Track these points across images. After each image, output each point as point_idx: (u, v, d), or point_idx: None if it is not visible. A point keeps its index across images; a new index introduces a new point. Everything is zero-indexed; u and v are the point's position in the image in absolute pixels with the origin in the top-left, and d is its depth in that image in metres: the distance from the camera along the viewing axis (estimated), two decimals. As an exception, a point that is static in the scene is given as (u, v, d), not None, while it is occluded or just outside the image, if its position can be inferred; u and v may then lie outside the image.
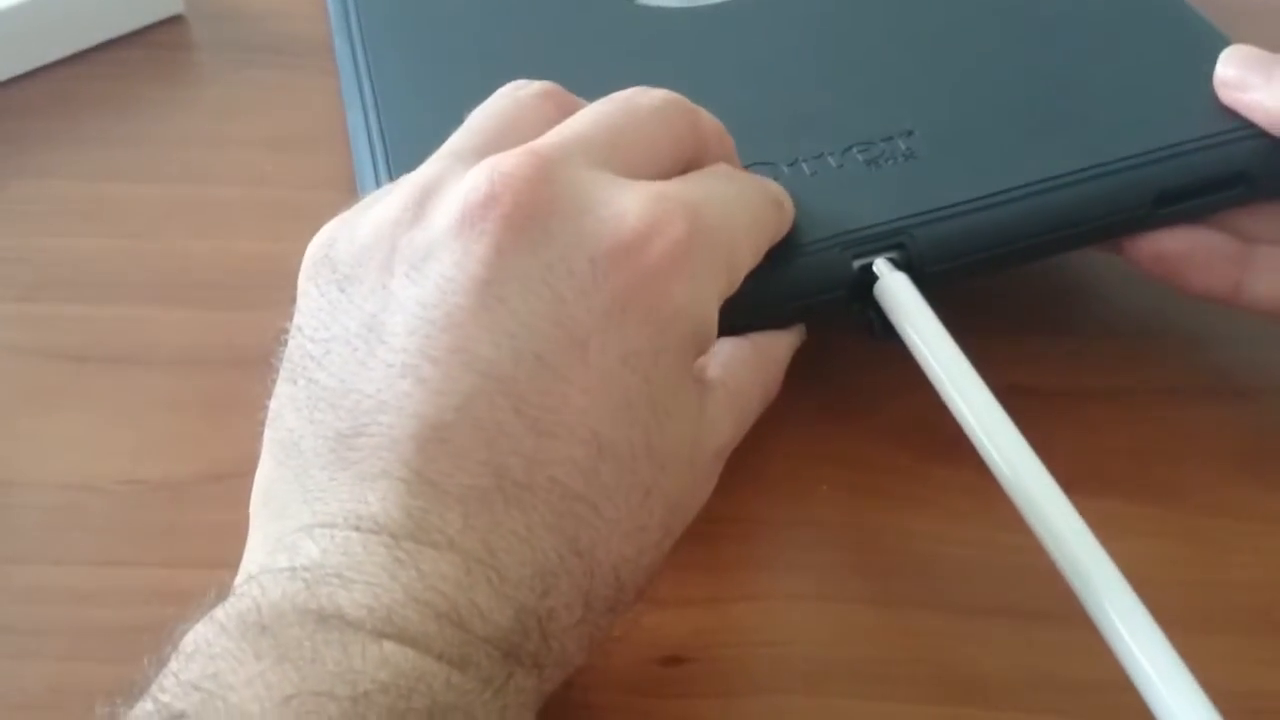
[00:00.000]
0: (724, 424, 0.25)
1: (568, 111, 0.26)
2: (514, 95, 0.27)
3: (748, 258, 0.26)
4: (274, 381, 0.24)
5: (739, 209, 0.26)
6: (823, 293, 0.28)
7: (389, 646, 0.19)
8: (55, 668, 0.26)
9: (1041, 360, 0.32)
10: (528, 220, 0.22)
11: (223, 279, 0.35)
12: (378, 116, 0.34)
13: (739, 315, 0.26)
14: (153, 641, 0.20)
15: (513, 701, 0.20)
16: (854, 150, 0.30)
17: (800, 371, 0.32)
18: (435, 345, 0.22)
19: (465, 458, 0.21)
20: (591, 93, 0.27)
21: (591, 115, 0.26)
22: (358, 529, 0.20)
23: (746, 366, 0.27)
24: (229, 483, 0.30)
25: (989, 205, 0.29)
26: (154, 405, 0.32)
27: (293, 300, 0.24)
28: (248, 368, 0.32)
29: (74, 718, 0.20)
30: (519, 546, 0.21)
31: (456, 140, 0.26)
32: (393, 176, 0.33)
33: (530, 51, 0.36)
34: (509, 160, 0.23)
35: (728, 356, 0.27)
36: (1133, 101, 0.31)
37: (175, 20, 0.43)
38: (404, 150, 0.33)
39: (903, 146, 0.30)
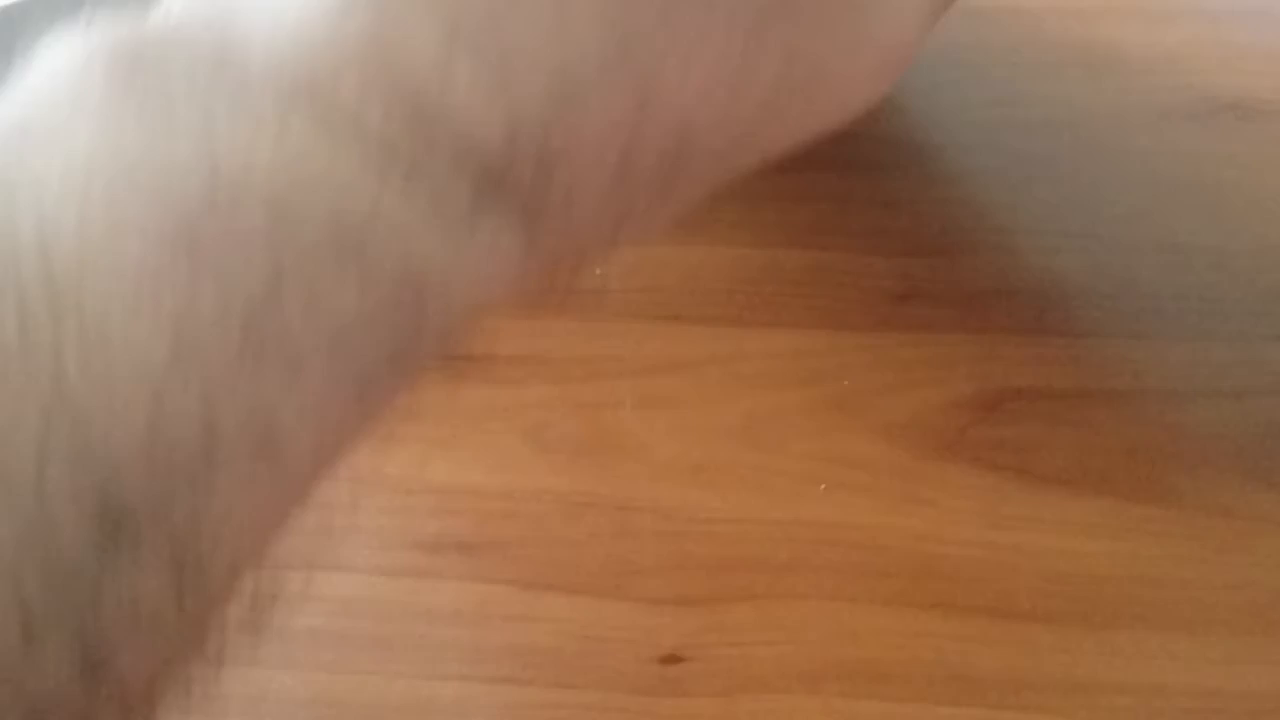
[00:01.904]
0: None
1: None
2: None
3: None
4: None
5: None
6: None
7: (296, 121, 0.13)
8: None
9: (1042, 361, 0.32)
10: None
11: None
12: None
13: None
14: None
15: (479, 254, 0.14)
16: None
17: (800, 371, 0.32)
18: None
19: None
20: None
21: None
22: None
23: None
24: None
25: None
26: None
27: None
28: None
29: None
30: (537, 25, 0.14)
31: None
32: None
33: None
34: None
35: None
36: None
37: (176, 19, 0.43)
38: None
39: None
